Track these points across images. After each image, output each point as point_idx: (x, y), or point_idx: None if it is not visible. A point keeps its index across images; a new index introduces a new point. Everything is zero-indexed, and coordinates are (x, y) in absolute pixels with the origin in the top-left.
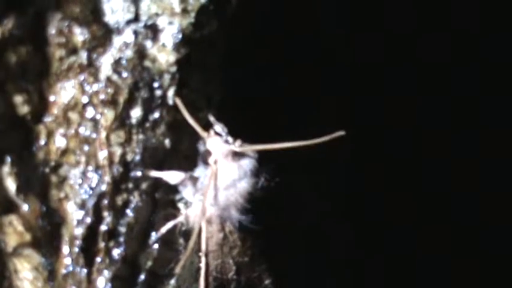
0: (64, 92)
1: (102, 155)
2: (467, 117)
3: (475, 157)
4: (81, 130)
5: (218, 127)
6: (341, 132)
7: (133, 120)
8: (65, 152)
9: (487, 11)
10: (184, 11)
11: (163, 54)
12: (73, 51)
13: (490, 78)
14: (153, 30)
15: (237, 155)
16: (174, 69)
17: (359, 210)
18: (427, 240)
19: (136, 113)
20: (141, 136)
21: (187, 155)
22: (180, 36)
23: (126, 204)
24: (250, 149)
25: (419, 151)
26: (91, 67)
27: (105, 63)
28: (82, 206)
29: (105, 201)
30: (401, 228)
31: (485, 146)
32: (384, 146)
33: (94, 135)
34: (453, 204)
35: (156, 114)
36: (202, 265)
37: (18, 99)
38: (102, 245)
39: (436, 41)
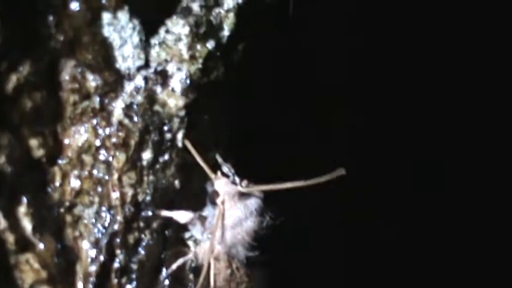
0: (78, 136)
1: (115, 195)
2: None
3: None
4: (95, 172)
5: (225, 168)
6: (342, 171)
7: (144, 162)
8: (79, 192)
9: None
10: (192, 57)
11: (173, 99)
12: (86, 96)
13: None
14: (163, 76)
15: (243, 195)
16: (183, 113)
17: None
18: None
19: (147, 155)
20: (151, 177)
21: (196, 194)
22: (188, 81)
23: (137, 242)
24: (257, 189)
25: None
26: (103, 111)
27: (117, 107)
28: (96, 244)
29: (118, 240)
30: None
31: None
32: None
33: (107, 177)
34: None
35: (166, 156)
36: None
37: (34, 142)
38: (115, 281)
39: None
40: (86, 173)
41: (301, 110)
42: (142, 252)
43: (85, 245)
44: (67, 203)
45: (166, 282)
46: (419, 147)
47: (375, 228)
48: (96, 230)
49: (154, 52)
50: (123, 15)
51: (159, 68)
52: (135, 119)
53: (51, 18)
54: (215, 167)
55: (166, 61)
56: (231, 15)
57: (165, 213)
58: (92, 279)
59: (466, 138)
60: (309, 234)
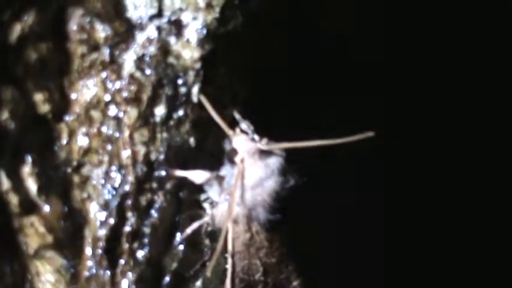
0: (86, 90)
1: (126, 154)
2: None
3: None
4: (104, 129)
5: (244, 125)
6: (370, 133)
7: (157, 119)
8: (87, 151)
9: None
10: (209, 6)
11: (188, 50)
12: (95, 47)
13: None
14: (177, 26)
15: (263, 154)
16: (198, 65)
17: (388, 206)
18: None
19: (160, 110)
20: (165, 135)
21: (212, 153)
22: (204, 31)
23: (150, 204)
24: (277, 147)
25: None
26: (113, 64)
27: (128, 60)
28: (105, 206)
29: (129, 202)
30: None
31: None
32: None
33: (117, 134)
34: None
35: (181, 112)
36: (229, 266)
37: (39, 97)
38: (126, 246)
39: None
40: (95, 130)
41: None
42: (155, 215)
43: (94, 207)
44: (74, 163)
45: (181, 247)
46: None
47: (395, 196)
48: (105, 191)
49: (168, 0)
50: None
51: (173, 17)
52: (148, 71)
53: None
54: (233, 124)
55: (180, 10)
56: None
57: (179, 173)
58: (102, 243)
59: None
60: (331, 199)
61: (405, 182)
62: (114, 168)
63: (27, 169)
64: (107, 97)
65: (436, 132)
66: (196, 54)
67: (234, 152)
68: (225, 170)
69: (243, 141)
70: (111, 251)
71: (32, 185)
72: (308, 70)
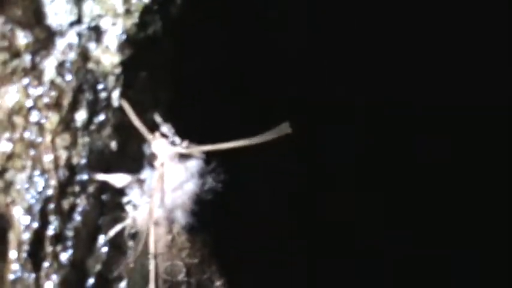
0: (8, 96)
1: (48, 158)
2: None
3: None
4: (27, 134)
5: (165, 128)
6: (286, 126)
7: (78, 123)
8: (10, 156)
9: None
10: (128, 12)
11: (108, 55)
12: (16, 54)
13: None
14: (97, 32)
15: (183, 157)
16: (118, 70)
17: (309, 208)
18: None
19: (81, 115)
20: (86, 139)
21: (134, 157)
22: (124, 37)
23: (73, 208)
24: (197, 150)
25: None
26: (35, 70)
27: (49, 66)
28: (29, 210)
29: (52, 206)
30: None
31: None
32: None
33: (39, 139)
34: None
35: (102, 117)
36: (152, 267)
37: None
38: (49, 249)
39: None
40: (18, 135)
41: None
42: (78, 218)
43: (17, 211)
44: None
45: (104, 249)
46: None
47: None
48: (29, 196)
49: (87, 7)
50: None
51: (93, 24)
52: (68, 77)
53: None
54: (155, 128)
55: (99, 16)
56: None
57: (101, 176)
58: (26, 247)
59: None
60: (256, 199)
61: (326, 180)
62: (37, 172)
63: None
64: (29, 103)
65: None
66: (116, 59)
67: (153, 156)
68: (146, 174)
69: (162, 145)
70: (35, 254)
71: None
72: (233, 72)
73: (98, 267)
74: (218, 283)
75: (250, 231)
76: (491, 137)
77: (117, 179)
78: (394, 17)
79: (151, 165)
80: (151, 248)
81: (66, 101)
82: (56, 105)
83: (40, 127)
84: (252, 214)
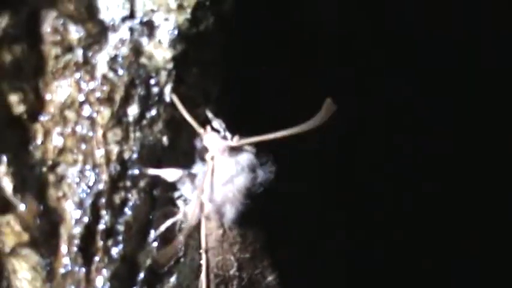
0: (60, 90)
1: (99, 153)
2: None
3: None
4: (78, 128)
5: (216, 123)
6: (331, 103)
7: (130, 118)
8: (62, 150)
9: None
10: (180, 7)
11: (160, 50)
12: (69, 49)
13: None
14: (149, 27)
15: (234, 151)
16: (170, 65)
17: (353, 199)
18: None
19: (133, 110)
20: (138, 134)
21: (185, 151)
22: (176, 32)
23: (124, 202)
24: (247, 143)
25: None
26: (87, 65)
27: (101, 60)
28: (80, 205)
29: (103, 200)
30: (397, 217)
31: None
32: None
33: (91, 134)
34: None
35: (153, 112)
36: (203, 262)
37: (14, 98)
38: (100, 244)
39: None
40: (69, 129)
41: (293, 62)
42: (129, 212)
43: (69, 205)
44: (49, 162)
45: (155, 244)
46: None
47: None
48: (80, 190)
49: (139, 2)
50: None
51: (145, 19)
52: (120, 72)
53: None
54: (205, 123)
55: (152, 11)
56: None
57: (152, 171)
58: (76, 241)
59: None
60: (305, 189)
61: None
62: (88, 167)
63: (2, 169)
64: (81, 97)
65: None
66: (168, 54)
67: (205, 150)
68: (197, 168)
69: (213, 139)
70: (86, 248)
71: (7, 185)
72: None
73: (149, 261)
74: (270, 278)
75: (300, 225)
76: None
77: (169, 174)
78: None
79: (202, 160)
80: (203, 242)
81: (118, 96)
82: (108, 99)
83: (92, 121)
84: (298, 202)
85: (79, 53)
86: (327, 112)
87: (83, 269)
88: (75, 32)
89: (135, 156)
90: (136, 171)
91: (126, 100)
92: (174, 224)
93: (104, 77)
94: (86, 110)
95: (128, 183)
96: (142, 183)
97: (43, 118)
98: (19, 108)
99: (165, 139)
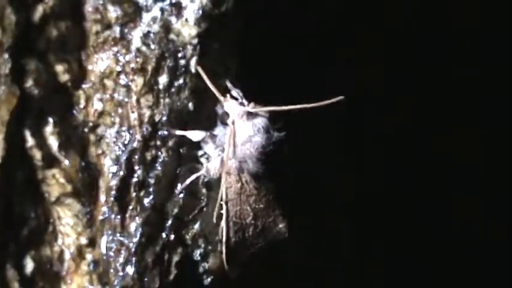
0: (100, 62)
1: (133, 116)
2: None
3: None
4: (116, 95)
5: (234, 92)
6: (341, 97)
7: (161, 86)
8: (101, 114)
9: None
10: None
11: (186, 28)
12: (107, 26)
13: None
14: (177, 8)
15: (251, 115)
16: (195, 41)
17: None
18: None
19: (163, 79)
20: (167, 100)
21: (208, 116)
22: (200, 12)
23: (154, 159)
24: (262, 110)
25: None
26: (123, 40)
27: (136, 36)
28: (116, 160)
29: (136, 157)
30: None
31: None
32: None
33: (126, 100)
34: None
35: (181, 81)
36: (224, 212)
37: (60, 68)
38: (133, 194)
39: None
40: (108, 96)
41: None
42: (159, 168)
43: (107, 161)
44: (90, 124)
45: (181, 195)
46: None
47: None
48: (116, 148)
49: None
50: None
51: (174, 0)
52: (152, 46)
53: None
54: (225, 92)
55: None
56: None
57: (179, 132)
58: (113, 192)
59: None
60: (311, 153)
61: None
62: (124, 128)
63: (49, 129)
64: (118, 68)
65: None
66: (194, 31)
67: (225, 114)
68: (218, 130)
69: (233, 105)
70: (121, 198)
71: (53, 142)
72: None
73: (176, 210)
74: (281, 225)
75: (305, 180)
76: None
77: (193, 135)
78: None
79: (223, 123)
80: (223, 194)
81: (150, 67)
82: (141, 70)
83: (127, 89)
84: (305, 165)
85: (117, 29)
86: (335, 101)
87: (119, 217)
88: (113, 11)
89: (164, 119)
90: (165, 132)
91: (157, 71)
92: (197, 178)
93: (138, 50)
94: (122, 79)
95: (158, 142)
96: (170, 143)
97: (85, 86)
98: (64, 77)
99: (190, 105)
